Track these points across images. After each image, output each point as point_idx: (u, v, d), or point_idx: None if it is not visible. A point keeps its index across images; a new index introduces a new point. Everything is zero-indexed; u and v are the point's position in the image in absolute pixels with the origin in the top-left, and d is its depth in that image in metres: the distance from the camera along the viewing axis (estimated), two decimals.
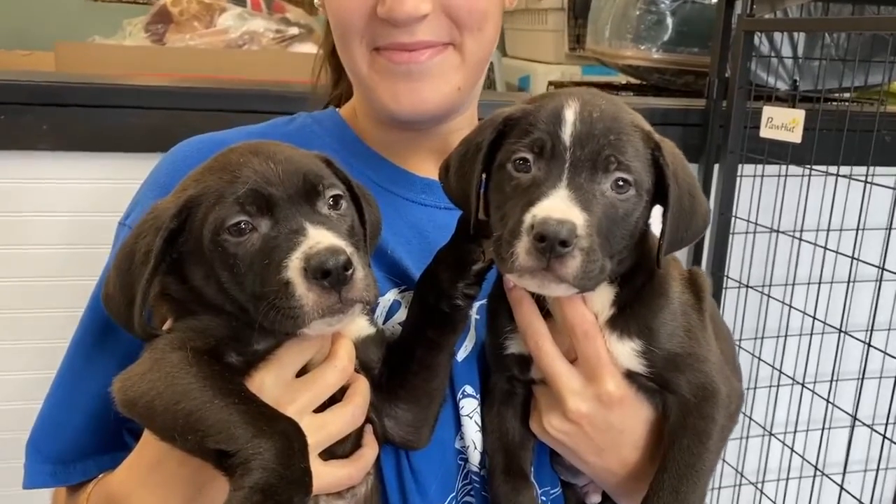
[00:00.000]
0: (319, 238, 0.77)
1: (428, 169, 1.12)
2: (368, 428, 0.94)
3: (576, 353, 0.92)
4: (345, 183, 0.88)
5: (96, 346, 0.98)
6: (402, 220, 1.07)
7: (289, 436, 0.75)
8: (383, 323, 1.01)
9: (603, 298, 0.90)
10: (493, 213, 0.86)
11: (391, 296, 1.02)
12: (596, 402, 0.92)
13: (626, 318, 0.90)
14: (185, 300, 0.85)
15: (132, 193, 1.86)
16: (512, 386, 1.00)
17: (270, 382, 0.83)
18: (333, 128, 1.12)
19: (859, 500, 1.87)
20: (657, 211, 0.89)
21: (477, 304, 1.03)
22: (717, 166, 2.07)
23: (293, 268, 0.76)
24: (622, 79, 2.69)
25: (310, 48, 3.06)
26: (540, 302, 0.94)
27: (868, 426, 1.84)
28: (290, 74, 2.61)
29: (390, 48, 0.99)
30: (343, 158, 0.96)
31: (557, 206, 0.78)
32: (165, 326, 0.87)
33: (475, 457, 1.01)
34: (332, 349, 0.89)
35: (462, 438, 1.01)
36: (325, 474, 0.86)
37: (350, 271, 0.76)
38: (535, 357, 0.94)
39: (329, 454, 0.88)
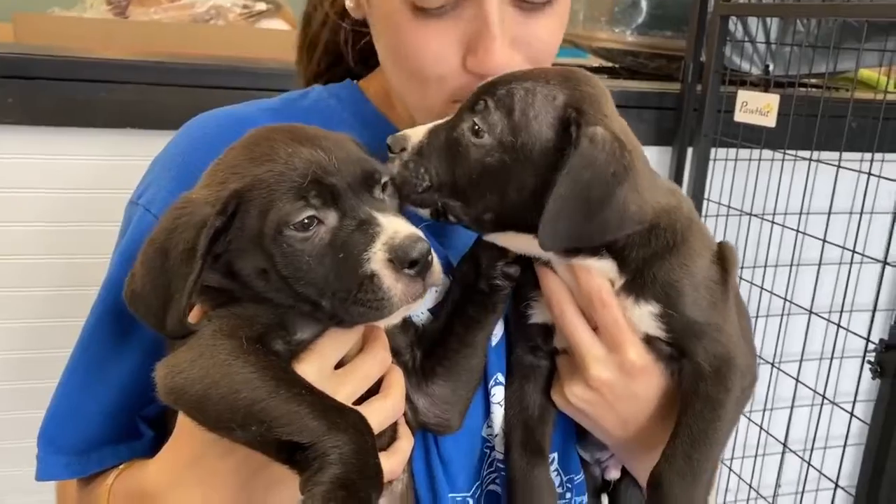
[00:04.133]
0: (396, 227, 0.76)
1: None
2: (402, 419, 0.92)
3: (596, 322, 0.93)
4: None
5: (114, 334, 0.94)
6: None
7: (361, 430, 0.73)
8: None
9: (608, 267, 0.91)
10: None
11: None
12: (618, 370, 0.92)
13: (642, 282, 0.91)
14: (228, 289, 0.81)
15: (106, 169, 1.83)
16: (535, 357, 1.00)
17: (314, 374, 0.80)
18: (353, 104, 1.06)
19: (821, 473, 1.93)
20: None
21: None
22: (690, 150, 2.10)
23: (378, 259, 0.74)
24: (594, 61, 2.70)
25: (277, 24, 3.00)
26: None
27: (834, 404, 1.90)
28: (258, 51, 2.55)
29: None
30: (363, 137, 0.92)
31: (413, 128, 0.91)
32: (193, 316, 0.82)
33: (502, 445, 1.00)
34: (367, 340, 0.86)
35: (490, 427, 1.01)
36: None
37: (430, 257, 0.75)
38: (558, 324, 0.95)
39: None
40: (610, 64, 2.54)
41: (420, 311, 0.98)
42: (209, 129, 0.99)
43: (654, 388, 0.93)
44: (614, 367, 0.92)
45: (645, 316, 0.91)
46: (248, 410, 0.72)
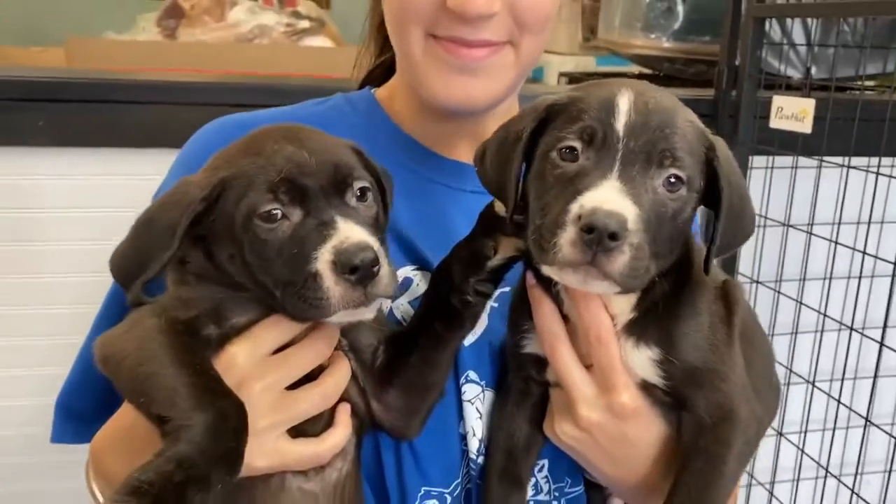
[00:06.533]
0: (349, 233, 0.78)
1: (459, 153, 1.10)
2: (344, 408, 0.91)
3: (591, 358, 0.87)
4: (373, 174, 0.88)
5: (122, 310, 0.97)
6: (424, 202, 1.05)
7: (225, 413, 0.75)
8: (394, 299, 0.98)
9: (623, 301, 0.84)
10: (533, 203, 0.81)
11: (403, 272, 0.99)
12: (608, 412, 0.87)
13: (646, 323, 0.84)
14: (200, 273, 0.85)
15: (136, 190, 1.87)
16: (527, 386, 0.96)
17: (242, 356, 0.83)
18: (365, 108, 1.12)
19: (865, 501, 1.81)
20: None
21: (498, 292, 0.97)
22: None
23: (322, 260, 0.77)
24: (635, 69, 2.63)
25: (321, 41, 3.04)
26: (559, 303, 0.89)
27: (878, 426, 1.78)
28: (301, 69, 2.59)
29: (449, 40, 0.98)
30: (371, 138, 0.95)
31: (608, 197, 0.73)
32: None
33: (473, 444, 0.98)
34: (312, 332, 0.87)
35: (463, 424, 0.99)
36: (287, 451, 0.86)
37: (376, 268, 0.77)
38: (550, 361, 0.90)
39: (300, 433, 0.87)
40: (649, 70, 2.47)
41: (400, 303, 0.99)
42: (214, 135, 1.06)
43: (649, 433, 0.88)
44: (603, 409, 0.87)
45: (644, 362, 0.85)
46: (142, 384, 0.77)
